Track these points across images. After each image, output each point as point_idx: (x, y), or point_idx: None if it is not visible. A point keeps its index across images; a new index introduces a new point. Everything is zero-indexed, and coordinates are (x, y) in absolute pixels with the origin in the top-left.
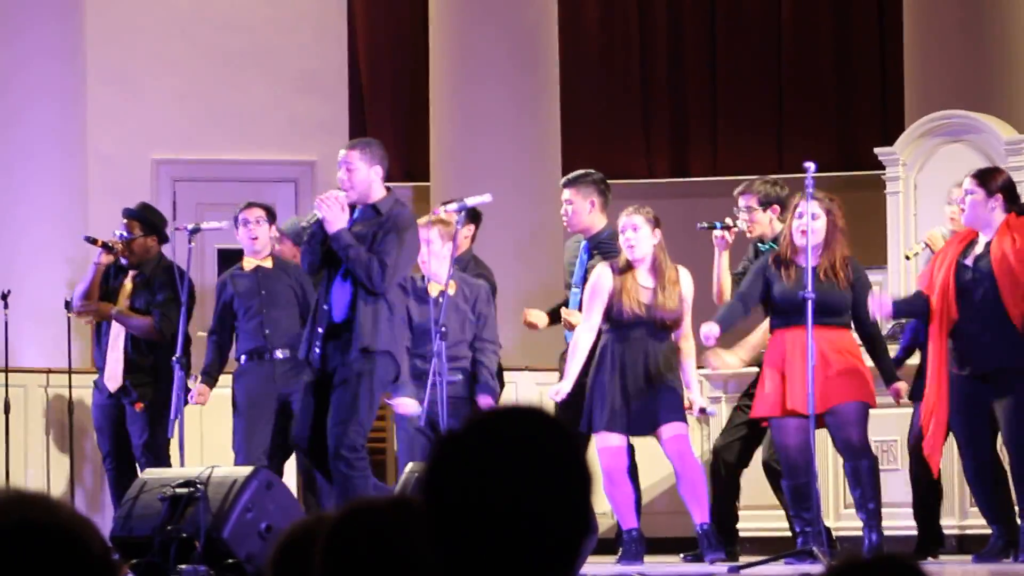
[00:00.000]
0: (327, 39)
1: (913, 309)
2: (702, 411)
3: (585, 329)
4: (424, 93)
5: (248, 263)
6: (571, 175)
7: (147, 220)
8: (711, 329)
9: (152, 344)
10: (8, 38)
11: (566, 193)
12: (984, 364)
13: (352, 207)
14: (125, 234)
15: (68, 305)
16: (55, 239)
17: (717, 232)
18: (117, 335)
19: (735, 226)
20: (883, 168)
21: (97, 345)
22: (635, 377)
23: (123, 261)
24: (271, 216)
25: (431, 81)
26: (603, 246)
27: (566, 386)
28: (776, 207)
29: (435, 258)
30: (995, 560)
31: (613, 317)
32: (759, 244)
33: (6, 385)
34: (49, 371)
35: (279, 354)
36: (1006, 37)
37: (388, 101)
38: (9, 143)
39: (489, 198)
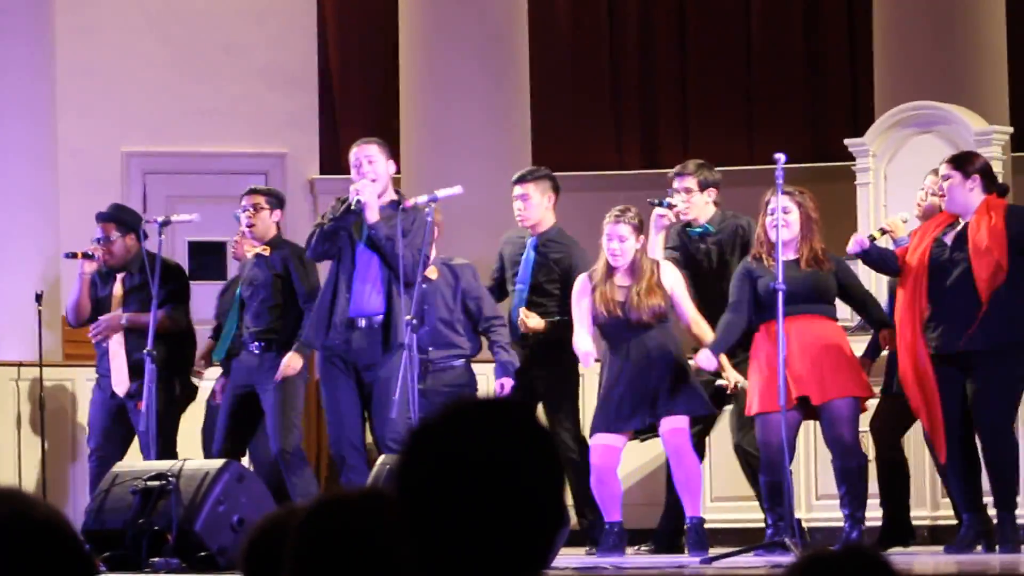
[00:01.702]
0: (296, 31)
1: (885, 259)
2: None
3: (580, 335)
4: (394, 85)
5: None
6: (526, 171)
7: (121, 220)
8: (708, 360)
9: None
10: None
11: (520, 189)
12: (955, 345)
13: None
14: (101, 237)
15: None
16: (26, 232)
17: (660, 210)
18: (118, 340)
19: (677, 206)
20: (853, 159)
21: (98, 347)
22: (630, 377)
23: (104, 266)
24: (271, 202)
25: (401, 72)
26: (551, 244)
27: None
28: (712, 190)
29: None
30: (966, 551)
31: (596, 324)
32: (688, 228)
33: None
34: (20, 364)
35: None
36: (975, 28)
37: (358, 93)
38: None
39: (460, 190)
